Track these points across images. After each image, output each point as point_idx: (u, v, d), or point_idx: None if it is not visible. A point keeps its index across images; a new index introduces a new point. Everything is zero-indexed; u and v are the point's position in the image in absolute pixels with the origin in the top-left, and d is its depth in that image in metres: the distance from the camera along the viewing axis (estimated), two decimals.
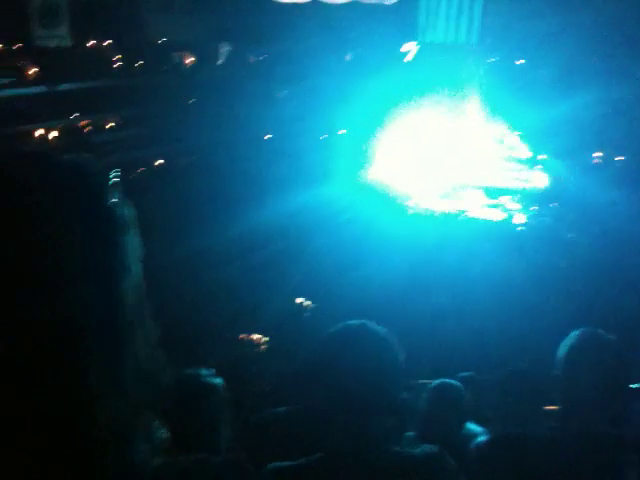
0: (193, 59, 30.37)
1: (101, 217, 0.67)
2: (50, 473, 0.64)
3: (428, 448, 1.87)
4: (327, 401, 1.76)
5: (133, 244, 0.71)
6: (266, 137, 27.60)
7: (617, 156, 22.93)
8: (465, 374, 4.12)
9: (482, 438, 2.37)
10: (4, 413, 0.62)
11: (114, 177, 0.74)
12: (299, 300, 15.19)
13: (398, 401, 1.81)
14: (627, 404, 1.88)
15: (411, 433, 3.14)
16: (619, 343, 2.08)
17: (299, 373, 2.76)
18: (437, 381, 3.09)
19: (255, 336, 12.23)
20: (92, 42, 27.00)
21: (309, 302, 15.10)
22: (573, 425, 2.05)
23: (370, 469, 1.77)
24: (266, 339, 12.12)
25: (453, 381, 3.15)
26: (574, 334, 2.16)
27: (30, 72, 25.51)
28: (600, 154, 23.66)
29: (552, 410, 2.24)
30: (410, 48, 26.31)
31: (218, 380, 2.22)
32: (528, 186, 23.10)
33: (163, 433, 0.71)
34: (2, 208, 0.63)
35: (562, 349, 2.15)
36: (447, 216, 20.49)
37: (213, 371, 2.24)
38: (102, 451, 0.65)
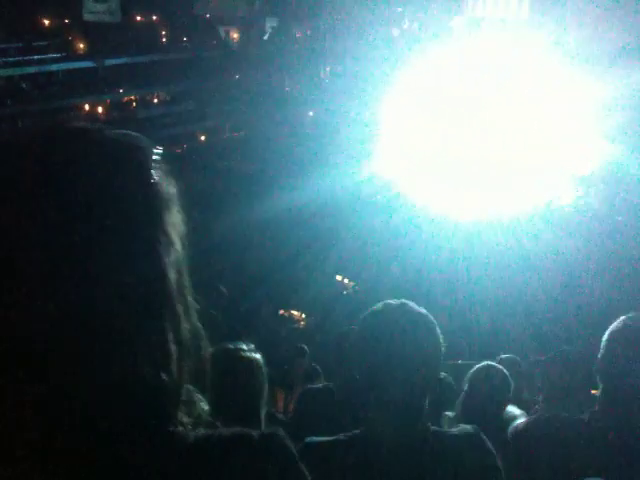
0: (239, 34, 30.42)
1: (146, 193, 0.68)
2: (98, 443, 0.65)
3: (466, 428, 1.86)
4: (368, 378, 1.77)
5: (176, 220, 0.72)
6: (310, 114, 27.58)
7: None
8: (506, 356, 4.09)
9: (520, 420, 2.35)
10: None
11: (158, 153, 0.74)
12: (339, 278, 15.24)
13: (437, 380, 1.81)
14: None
15: (450, 413, 3.14)
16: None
17: (341, 350, 2.78)
18: (482, 363, 3.07)
19: (295, 312, 12.32)
20: (140, 17, 27.28)
21: (348, 280, 15.14)
22: (614, 411, 2.01)
23: (408, 447, 1.77)
24: (305, 315, 12.22)
25: (496, 364, 3.12)
26: (621, 318, 2.11)
27: (80, 46, 25.93)
28: None
29: (595, 395, 2.21)
30: (457, 23, 25.82)
31: (258, 355, 2.24)
32: (577, 167, 22.59)
33: (204, 407, 0.73)
34: (48, 184, 0.64)
35: (607, 333, 2.11)
36: (488, 195, 20.17)
37: (252, 346, 2.26)
38: (144, 424, 0.66)
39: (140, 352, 0.65)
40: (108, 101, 26.45)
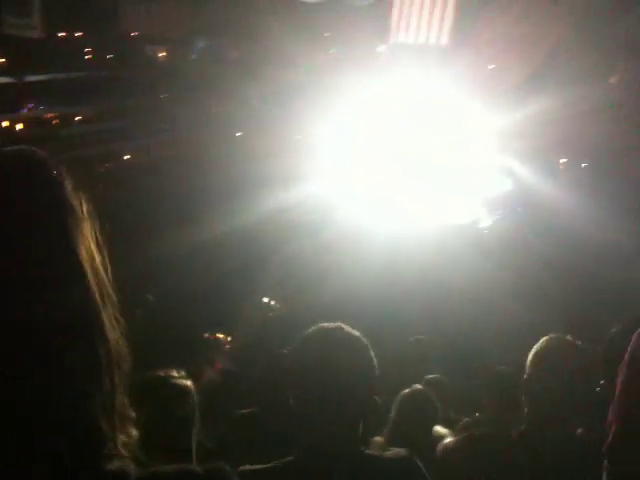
0: (166, 53, 30.11)
1: (49, 204, 0.67)
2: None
3: (400, 452, 1.89)
4: (302, 402, 1.77)
5: (86, 230, 0.71)
6: (238, 134, 27.53)
7: (581, 161, 23.38)
8: (431, 377, 4.17)
9: (448, 440, 2.40)
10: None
11: (60, 167, 0.73)
12: (265, 300, 15.18)
13: (372, 405, 1.83)
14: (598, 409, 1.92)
15: (378, 438, 3.17)
16: (584, 349, 2.14)
17: (274, 373, 2.77)
18: (408, 389, 3.12)
19: (220, 335, 12.18)
20: (63, 33, 26.56)
21: (274, 302, 15.11)
22: (539, 428, 2.09)
23: (342, 472, 1.78)
24: (229, 339, 12.09)
25: (421, 387, 3.18)
26: (542, 340, 2.20)
27: None
28: (565, 159, 24.12)
29: (519, 413, 2.29)
30: (383, 50, 26.46)
31: (188, 382, 2.20)
32: (494, 190, 23.43)
33: (135, 436, 0.70)
34: None
35: (531, 354, 2.20)
36: (416, 220, 20.69)
37: (183, 373, 2.22)
38: (80, 458, 0.64)
39: (69, 367, 0.63)
40: (28, 118, 25.60)
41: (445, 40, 27.32)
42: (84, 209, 0.69)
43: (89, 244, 0.67)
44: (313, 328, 1.86)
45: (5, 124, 29.14)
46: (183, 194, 21.86)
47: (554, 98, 22.08)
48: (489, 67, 27.80)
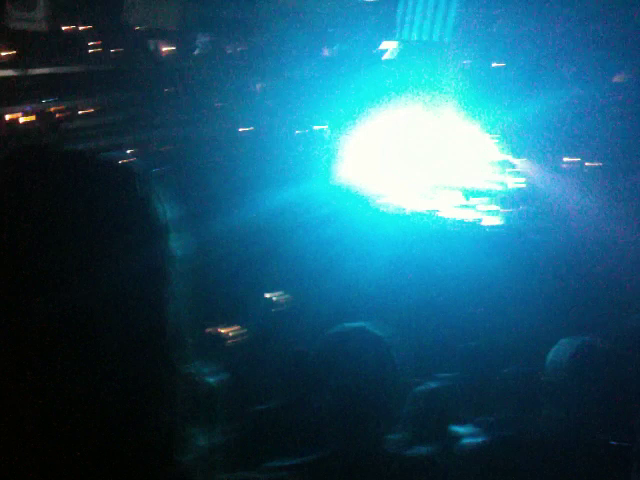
0: (171, 48, 30.10)
1: (146, 219, 0.67)
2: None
3: (421, 450, 1.90)
4: (327, 401, 1.78)
5: (174, 245, 0.72)
6: (242, 130, 27.55)
7: (588, 160, 23.38)
8: (444, 375, 4.17)
9: (469, 440, 2.41)
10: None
11: (156, 176, 0.73)
12: (268, 295, 15.31)
13: (395, 404, 1.84)
14: (632, 416, 1.92)
15: (396, 435, 3.17)
16: (616, 352, 2.14)
17: (296, 372, 2.77)
18: (422, 384, 3.12)
19: (222, 330, 12.31)
20: (69, 26, 26.55)
21: (281, 296, 15.26)
22: (570, 432, 2.09)
23: (366, 470, 1.79)
24: (231, 334, 12.20)
25: (438, 384, 3.18)
26: (565, 342, 2.20)
27: (2, 54, 25.01)
28: (572, 158, 24.12)
29: (540, 415, 2.29)
30: (388, 46, 26.46)
31: (211, 378, 2.20)
32: (500, 188, 23.45)
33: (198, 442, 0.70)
34: (41, 211, 0.62)
35: (553, 356, 2.20)
36: (419, 215, 20.79)
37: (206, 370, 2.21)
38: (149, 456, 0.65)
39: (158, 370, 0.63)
40: (30, 111, 25.63)
41: (449, 37, 27.35)
42: (167, 217, 0.70)
43: (171, 251, 0.68)
44: (337, 326, 1.87)
45: (7, 117, 29.16)
46: (186, 189, 21.92)
47: (562, 95, 22.13)
48: (494, 64, 27.83)
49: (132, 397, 0.60)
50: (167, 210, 0.70)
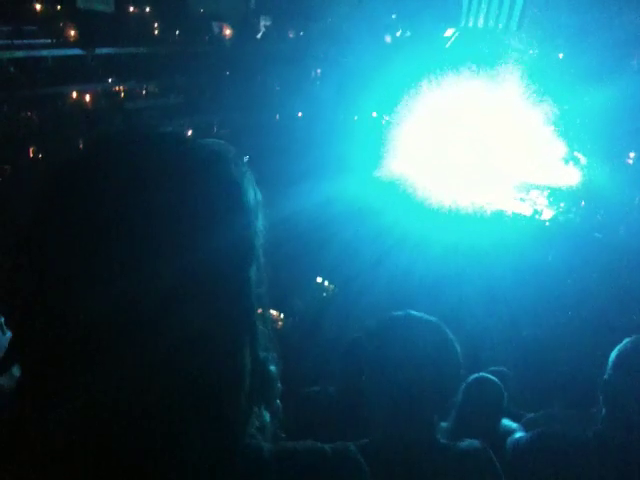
0: (232, 31, 30.26)
1: (239, 204, 0.68)
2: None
3: (473, 442, 1.87)
4: (383, 389, 1.76)
5: (260, 227, 0.73)
6: (300, 114, 27.56)
7: None
8: (496, 368, 4.10)
9: (521, 435, 2.37)
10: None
11: (246, 162, 0.74)
12: (319, 280, 15.24)
13: (449, 393, 1.81)
14: None
15: (443, 423, 3.15)
16: None
17: (352, 357, 2.77)
18: (475, 375, 3.08)
19: (273, 312, 12.39)
20: (133, 8, 27.02)
21: (328, 283, 15.16)
22: (618, 431, 2.04)
23: (417, 459, 1.78)
24: (282, 316, 12.21)
25: (491, 376, 3.13)
26: (627, 340, 2.14)
27: (71, 33, 25.64)
28: (634, 153, 23.30)
29: (595, 414, 2.23)
30: (451, 33, 26.01)
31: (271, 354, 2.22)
32: (560, 183, 22.88)
33: (268, 422, 0.73)
34: (142, 194, 0.62)
35: (614, 355, 2.14)
36: (476, 208, 20.43)
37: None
38: (217, 432, 0.66)
39: (222, 355, 0.64)
40: (96, 90, 26.21)
41: (515, 25, 26.73)
42: (258, 200, 0.70)
43: (260, 235, 0.69)
44: (395, 314, 1.85)
45: (74, 95, 29.98)
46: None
47: (625, 88, 21.35)
48: (559, 55, 27.07)
49: (213, 376, 0.61)
50: (257, 194, 0.71)
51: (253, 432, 0.72)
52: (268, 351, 0.75)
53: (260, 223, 0.72)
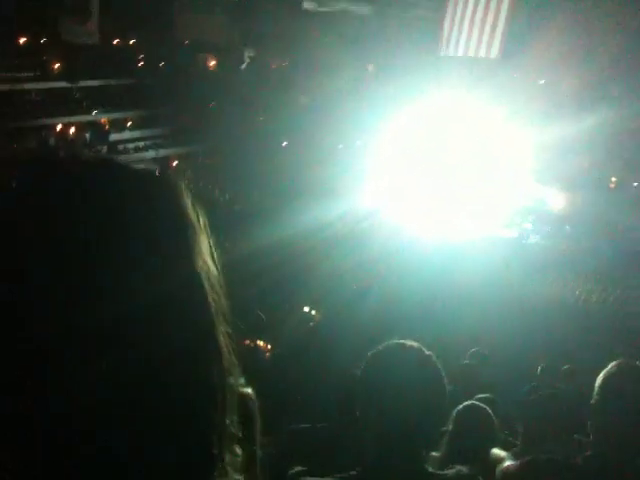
0: (217, 62, 30.52)
1: (180, 227, 0.67)
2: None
3: (462, 470, 1.86)
4: (372, 420, 1.75)
5: (206, 250, 0.71)
6: (284, 144, 27.71)
7: (634, 179, 22.77)
8: (483, 396, 4.07)
9: (510, 462, 2.35)
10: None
11: (183, 184, 0.74)
12: (306, 309, 15.17)
13: (440, 427, 1.81)
14: None
15: (435, 453, 3.11)
16: None
17: (348, 392, 2.75)
18: (465, 403, 3.06)
19: (260, 343, 12.23)
20: (118, 40, 27.19)
21: (314, 311, 15.09)
22: (607, 457, 2.03)
23: None
24: (270, 346, 12.07)
25: (480, 403, 3.12)
26: (612, 364, 2.14)
27: (55, 66, 25.76)
28: (616, 178, 23.53)
29: (583, 439, 2.23)
30: (432, 61, 26.36)
31: (249, 389, 2.20)
32: (544, 206, 23.06)
33: (240, 455, 0.71)
34: (81, 221, 0.61)
35: (600, 379, 2.14)
36: (463, 233, 20.49)
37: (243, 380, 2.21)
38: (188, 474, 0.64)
39: (188, 382, 0.63)
40: (81, 122, 26.28)
41: (496, 53, 27.12)
42: (201, 223, 0.69)
43: (206, 259, 0.67)
44: (387, 344, 1.84)
45: (58, 127, 29.96)
46: (229, 204, 22.05)
47: (607, 113, 21.67)
48: (540, 81, 27.47)
49: (181, 402, 0.60)
50: (207, 221, 0.70)
51: (224, 470, 0.70)
52: (239, 380, 0.73)
53: (214, 249, 0.71)
